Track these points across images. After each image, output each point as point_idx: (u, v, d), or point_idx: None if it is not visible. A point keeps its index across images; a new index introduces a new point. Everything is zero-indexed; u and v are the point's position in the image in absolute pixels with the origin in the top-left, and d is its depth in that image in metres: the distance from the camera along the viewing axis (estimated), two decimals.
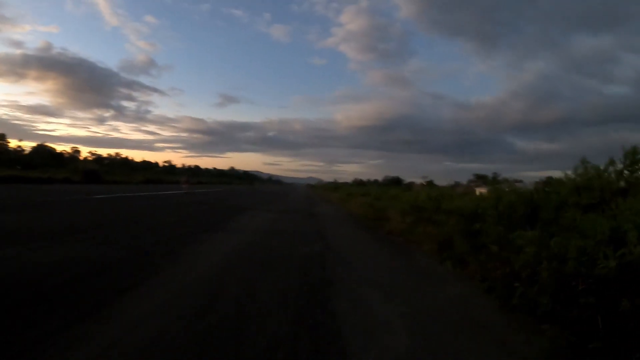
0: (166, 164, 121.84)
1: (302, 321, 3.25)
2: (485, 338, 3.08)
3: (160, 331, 2.89)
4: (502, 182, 7.37)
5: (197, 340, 2.79)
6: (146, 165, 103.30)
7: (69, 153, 77.59)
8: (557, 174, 7.06)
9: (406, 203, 9.89)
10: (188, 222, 9.86)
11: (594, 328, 2.66)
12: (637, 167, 4.43)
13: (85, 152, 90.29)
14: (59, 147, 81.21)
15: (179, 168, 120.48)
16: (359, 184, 66.17)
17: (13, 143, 59.63)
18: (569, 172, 5.10)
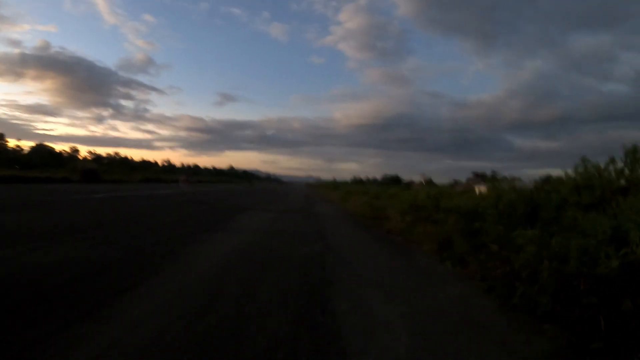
0: (165, 163, 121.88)
1: (302, 321, 3.24)
2: (485, 338, 3.07)
3: (160, 331, 2.89)
4: (501, 181, 7.34)
5: (197, 340, 2.78)
6: (145, 164, 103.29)
7: (67, 152, 77.64)
8: (555, 172, 7.07)
9: (405, 202, 9.89)
10: (187, 222, 9.84)
11: (595, 328, 2.66)
12: (637, 165, 4.43)
13: (84, 151, 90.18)
14: (58, 147, 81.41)
15: (178, 167, 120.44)
16: (358, 182, 66.24)
17: (12, 143, 59.65)
18: (569, 171, 5.10)
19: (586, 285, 2.87)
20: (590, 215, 3.64)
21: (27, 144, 65.22)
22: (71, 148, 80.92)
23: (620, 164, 4.62)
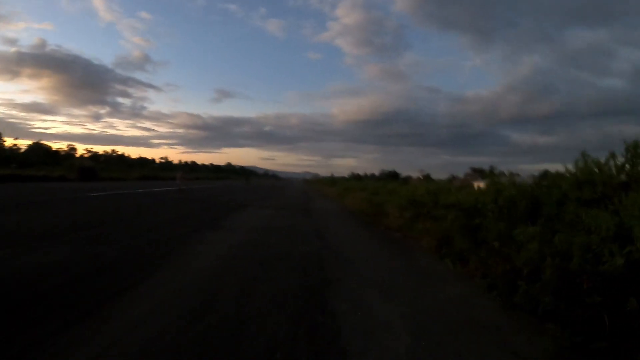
0: (162, 160, 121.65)
1: (301, 321, 3.19)
2: (486, 338, 3.03)
3: (159, 332, 2.88)
4: (501, 176, 7.29)
5: (195, 341, 2.75)
6: (142, 161, 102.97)
7: (65, 151, 77.35)
8: (552, 166, 7.03)
9: (404, 198, 9.83)
10: (184, 220, 9.78)
11: (599, 328, 2.61)
12: (639, 160, 4.38)
13: (81, 149, 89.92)
14: (55, 145, 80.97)
15: (175, 164, 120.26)
16: (355, 178, 66.11)
17: (9, 141, 59.28)
18: (569, 166, 5.06)
19: (589, 283, 2.82)
20: (592, 211, 3.59)
21: (24, 143, 64.85)
22: (68, 146, 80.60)
23: (620, 159, 4.57)
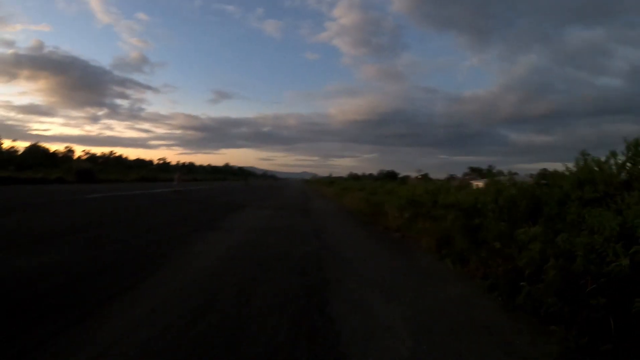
0: (161, 162, 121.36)
1: (300, 324, 3.13)
2: (489, 339, 2.98)
3: (160, 333, 2.88)
4: (501, 175, 7.26)
5: (195, 342, 2.72)
6: (140, 163, 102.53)
7: (62, 152, 76.97)
8: (550, 166, 7.00)
9: (403, 198, 9.77)
10: (183, 221, 9.72)
11: (604, 329, 2.56)
12: (639, 159, 4.33)
13: (79, 151, 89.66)
14: (53, 147, 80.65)
15: (173, 165, 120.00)
16: (354, 178, 66.16)
17: (6, 144, 59.02)
18: (570, 165, 5.01)
19: (594, 284, 2.76)
20: (594, 210, 3.53)
21: (21, 145, 64.40)
22: (66, 148, 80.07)
23: (621, 158, 4.52)
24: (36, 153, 59.52)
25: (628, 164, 4.44)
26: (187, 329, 2.98)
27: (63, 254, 5.30)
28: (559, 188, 4.68)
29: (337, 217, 12.36)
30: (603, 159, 4.70)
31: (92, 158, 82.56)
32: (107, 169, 52.45)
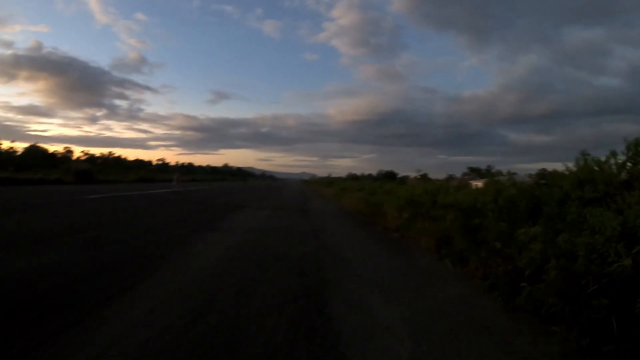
0: (160, 162, 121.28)
1: (299, 325, 3.11)
2: (489, 340, 2.95)
3: (159, 333, 2.87)
4: (500, 175, 7.24)
5: (194, 343, 2.71)
6: (139, 163, 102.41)
7: (61, 153, 76.80)
8: (549, 166, 6.98)
9: (402, 198, 9.75)
10: (181, 222, 9.68)
11: (606, 330, 2.53)
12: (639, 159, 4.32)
13: (78, 151, 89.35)
14: (52, 148, 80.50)
15: (172, 166, 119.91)
16: (353, 178, 66.16)
17: (5, 144, 58.96)
18: (570, 165, 4.99)
19: (595, 284, 2.74)
20: (595, 210, 3.51)
21: (20, 146, 64.30)
22: (65, 149, 79.95)
23: (621, 157, 4.51)
24: (35, 154, 59.45)
25: (628, 164, 4.42)
26: (186, 330, 2.96)
27: (62, 255, 5.28)
28: (559, 188, 4.66)
29: (336, 218, 12.33)
30: (603, 158, 4.69)
31: (91, 159, 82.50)
32: (106, 170, 52.40)
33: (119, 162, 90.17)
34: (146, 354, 2.57)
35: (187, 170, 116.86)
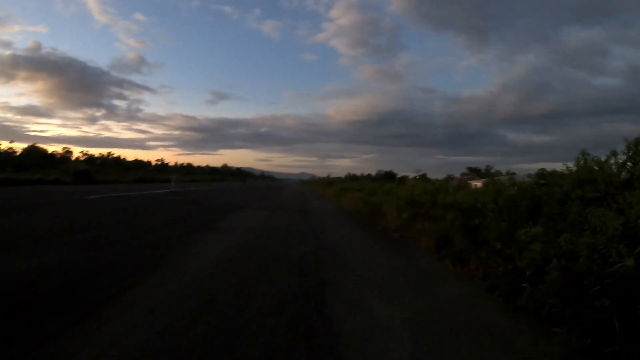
0: (159, 162, 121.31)
1: (298, 326, 3.08)
2: (490, 341, 2.93)
3: (158, 333, 2.86)
4: (501, 175, 7.23)
5: (190, 348, 2.66)
6: (138, 164, 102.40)
7: (60, 153, 76.69)
8: (549, 166, 6.98)
9: (401, 198, 9.73)
10: (180, 222, 9.64)
11: (608, 331, 2.51)
12: None
13: (77, 152, 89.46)
14: (51, 148, 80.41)
15: (171, 166, 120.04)
16: (352, 178, 66.18)
17: (4, 145, 58.94)
18: (570, 164, 4.98)
19: (597, 285, 2.72)
20: (596, 210, 3.49)
21: (19, 146, 64.31)
22: (64, 149, 79.97)
23: (621, 157, 4.49)
24: (34, 154, 59.37)
25: (629, 164, 4.40)
26: (187, 329, 2.95)
27: (62, 255, 5.26)
28: (559, 188, 4.64)
29: (336, 218, 12.31)
30: (603, 158, 4.67)
31: (90, 159, 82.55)
32: (105, 170, 52.30)
33: (118, 163, 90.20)
34: (146, 354, 2.55)
35: (186, 170, 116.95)
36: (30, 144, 64.87)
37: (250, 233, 8.10)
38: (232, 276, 4.56)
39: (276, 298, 3.80)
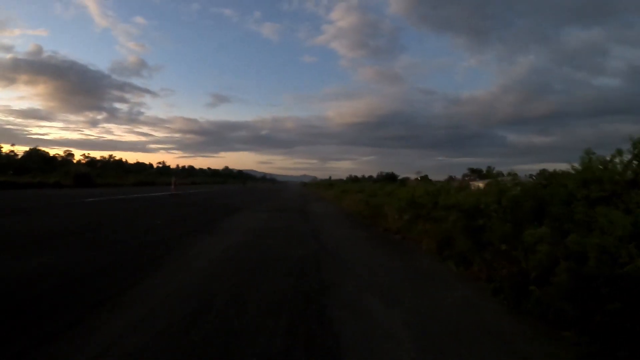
0: (160, 165, 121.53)
1: (297, 330, 2.99)
2: (496, 345, 2.83)
3: (158, 334, 2.84)
4: (505, 175, 7.13)
5: (190, 349, 2.61)
6: (139, 167, 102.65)
7: (62, 156, 76.74)
8: (550, 166, 6.90)
9: (403, 199, 9.64)
10: (179, 224, 9.56)
11: (619, 334, 2.42)
12: None
13: (78, 155, 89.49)
14: (52, 151, 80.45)
15: (173, 169, 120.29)
16: (353, 180, 66.09)
17: (5, 148, 58.92)
18: (575, 164, 4.90)
19: (607, 287, 2.62)
20: (604, 210, 3.39)
21: (21, 149, 64.27)
22: (65, 152, 79.98)
23: (627, 156, 4.42)
24: (35, 157, 59.41)
25: (634, 162, 4.33)
26: (186, 331, 2.89)
27: (61, 256, 5.25)
28: (564, 187, 4.55)
29: (336, 220, 12.23)
30: (608, 157, 4.60)
31: (92, 162, 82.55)
32: (106, 173, 52.42)
33: (119, 165, 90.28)
34: (146, 355, 2.50)
35: (187, 173, 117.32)
36: (32, 147, 64.88)
37: (250, 234, 8.04)
38: (232, 277, 4.51)
39: (276, 300, 3.72)
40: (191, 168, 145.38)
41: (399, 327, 3.13)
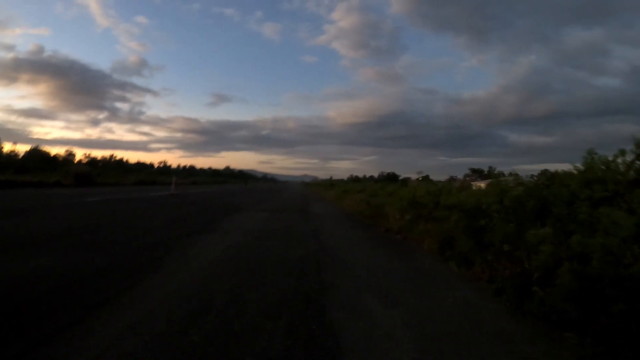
0: (161, 165, 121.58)
1: (297, 332, 2.96)
2: (498, 347, 2.80)
3: (157, 334, 2.83)
4: (507, 175, 7.09)
5: (189, 350, 2.60)
6: (140, 166, 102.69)
7: (62, 156, 76.71)
8: (551, 166, 6.89)
9: (404, 199, 9.61)
10: (179, 224, 9.53)
11: (623, 336, 2.39)
12: None
13: (79, 154, 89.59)
14: (54, 150, 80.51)
15: (174, 168, 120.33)
16: (354, 180, 66.12)
17: (7, 147, 58.85)
18: (577, 164, 4.87)
19: (612, 288, 2.59)
20: (606, 210, 3.36)
21: (22, 148, 64.24)
22: (66, 151, 79.88)
23: (629, 156, 4.40)
24: (36, 156, 59.34)
25: (637, 162, 4.31)
26: (185, 332, 2.87)
27: (60, 257, 5.21)
28: (566, 187, 4.52)
29: (337, 220, 12.19)
30: (610, 157, 4.58)
31: (93, 161, 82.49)
32: (106, 172, 52.40)
33: (120, 165, 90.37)
34: (145, 356, 2.48)
35: (189, 173, 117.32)
36: (33, 147, 64.83)
37: (250, 234, 8.01)
38: (232, 277, 4.49)
39: (275, 300, 3.70)
40: (192, 168, 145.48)
41: (399, 328, 3.10)
